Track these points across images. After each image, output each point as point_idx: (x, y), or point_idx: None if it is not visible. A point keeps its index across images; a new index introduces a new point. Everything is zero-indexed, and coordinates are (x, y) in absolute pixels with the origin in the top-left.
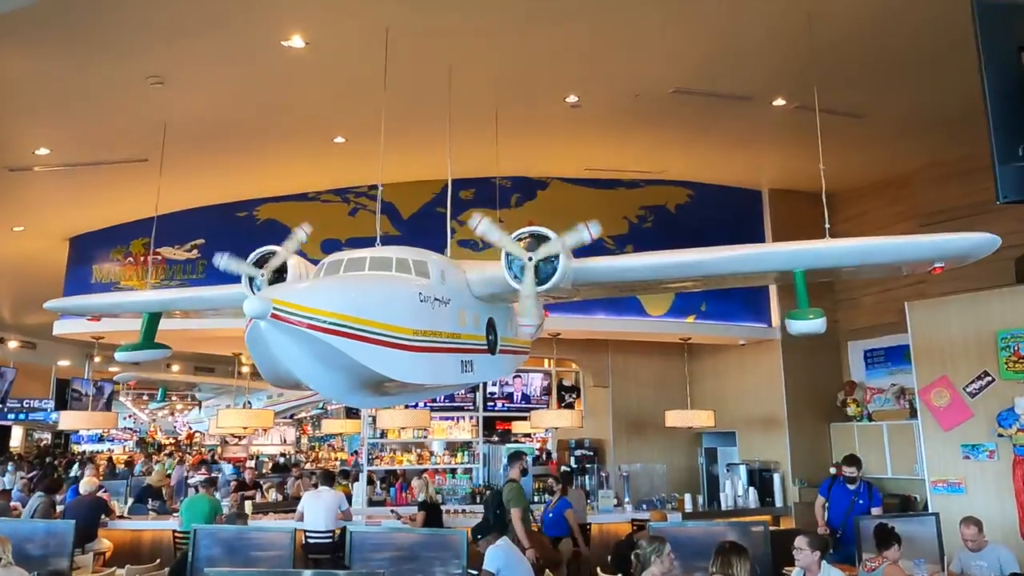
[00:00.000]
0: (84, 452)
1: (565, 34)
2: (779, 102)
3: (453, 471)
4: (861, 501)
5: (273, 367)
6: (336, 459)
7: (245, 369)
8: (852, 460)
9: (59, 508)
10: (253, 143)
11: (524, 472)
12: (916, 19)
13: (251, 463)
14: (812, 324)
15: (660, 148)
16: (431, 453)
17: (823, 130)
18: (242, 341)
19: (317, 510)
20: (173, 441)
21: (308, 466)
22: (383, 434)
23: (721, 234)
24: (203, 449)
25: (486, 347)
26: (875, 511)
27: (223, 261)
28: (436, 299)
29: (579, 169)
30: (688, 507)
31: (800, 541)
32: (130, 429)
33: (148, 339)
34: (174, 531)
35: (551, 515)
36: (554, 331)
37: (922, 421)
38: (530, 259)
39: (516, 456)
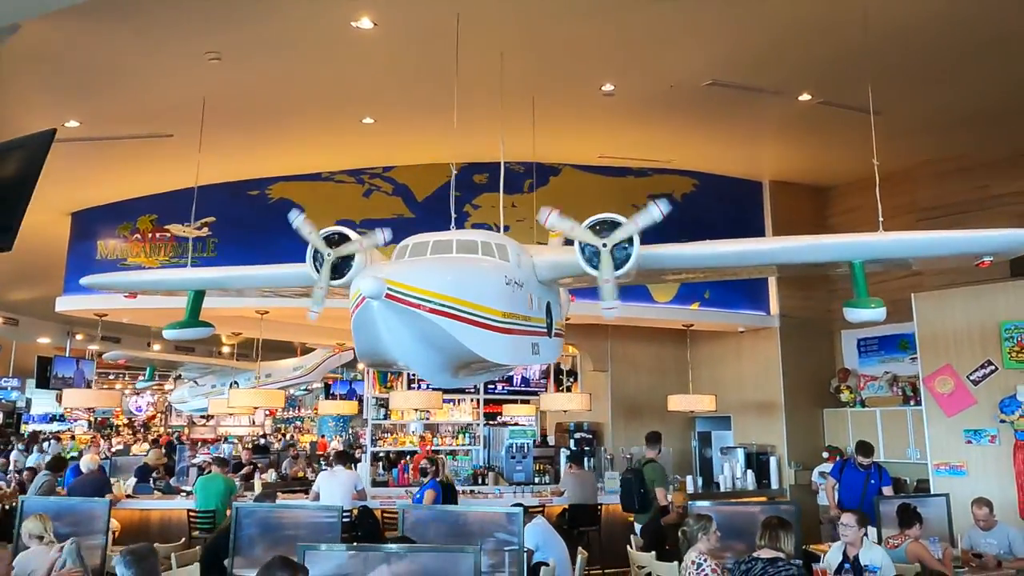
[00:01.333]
0: (43, 432)
1: (611, 23)
2: (804, 97)
3: (454, 453)
4: (873, 482)
5: (375, 346)
6: (308, 442)
7: (226, 349)
8: (866, 448)
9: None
10: (281, 121)
11: (659, 452)
12: (944, 22)
13: (243, 445)
14: (874, 313)
15: (673, 138)
16: (433, 434)
17: (829, 124)
18: (224, 321)
19: (333, 489)
20: (126, 423)
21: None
22: (387, 415)
23: (724, 224)
24: (168, 431)
25: (546, 330)
26: (886, 490)
27: (297, 219)
28: (516, 282)
29: (592, 156)
30: (690, 489)
31: (848, 518)
32: (90, 408)
33: (194, 317)
34: (189, 511)
35: None
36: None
37: (926, 407)
38: (604, 245)
39: (655, 437)
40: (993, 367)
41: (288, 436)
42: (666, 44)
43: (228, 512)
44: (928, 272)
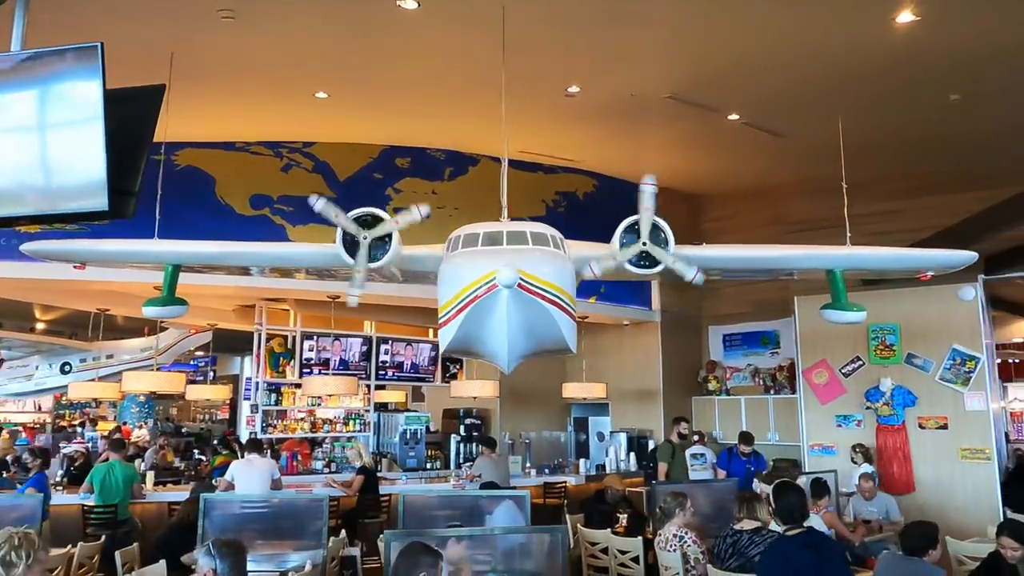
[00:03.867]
0: None
1: (584, 31)
2: (733, 116)
3: (350, 438)
4: (752, 468)
5: (481, 333)
6: (106, 430)
7: (40, 325)
8: (747, 438)
9: None
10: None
11: (682, 436)
12: (841, 74)
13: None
14: (856, 315)
15: (589, 140)
16: (324, 422)
17: (734, 140)
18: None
19: (251, 479)
20: None
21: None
22: (278, 401)
23: (616, 223)
24: None
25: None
26: (762, 474)
27: (318, 203)
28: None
29: (512, 151)
30: (583, 470)
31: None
32: None
33: (172, 293)
34: (83, 506)
35: None
36: None
37: (804, 396)
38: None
39: (676, 420)
40: (861, 362)
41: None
42: (636, 56)
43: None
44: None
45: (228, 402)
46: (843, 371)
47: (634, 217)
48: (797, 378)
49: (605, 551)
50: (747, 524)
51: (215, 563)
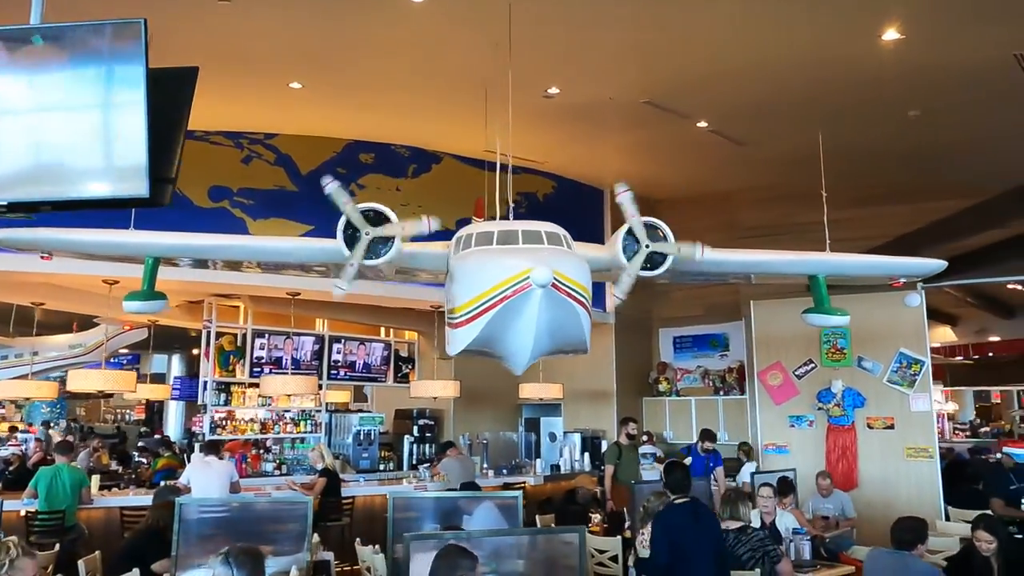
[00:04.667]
0: None
1: (566, 32)
2: (702, 124)
3: (301, 439)
4: (712, 464)
5: (506, 332)
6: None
7: None
8: (710, 435)
9: None
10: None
11: (631, 436)
12: (819, 78)
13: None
14: (839, 319)
15: (556, 143)
16: (275, 422)
17: (696, 146)
18: None
19: (209, 482)
20: None
21: None
22: (227, 401)
23: (572, 226)
24: None
25: None
26: (718, 471)
27: (331, 186)
28: None
29: (476, 149)
30: (539, 471)
31: (766, 491)
32: None
33: (152, 287)
34: (28, 512)
35: None
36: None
37: (759, 397)
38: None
39: (624, 420)
40: (813, 365)
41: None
42: (619, 60)
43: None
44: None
45: (144, 402)
46: (796, 373)
47: (625, 226)
48: (749, 380)
49: None
50: (731, 524)
51: (232, 572)
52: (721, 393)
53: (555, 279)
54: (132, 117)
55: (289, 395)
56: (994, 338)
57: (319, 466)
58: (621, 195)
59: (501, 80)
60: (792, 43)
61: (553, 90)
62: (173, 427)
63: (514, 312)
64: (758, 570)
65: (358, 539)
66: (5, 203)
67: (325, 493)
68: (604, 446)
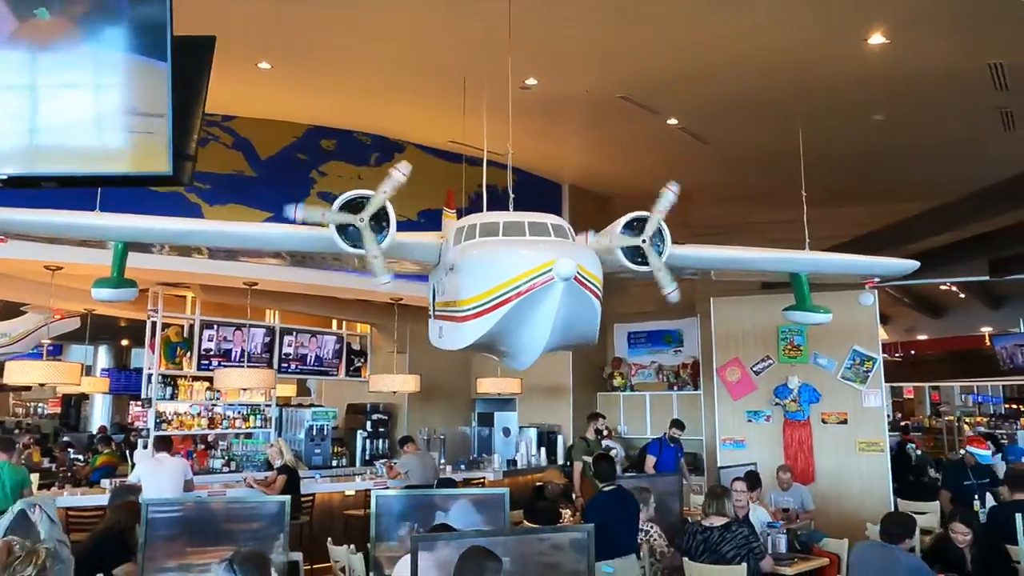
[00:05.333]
0: None
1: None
2: (672, 121)
3: (249, 435)
4: (680, 454)
5: (520, 326)
6: None
7: None
8: (680, 424)
9: None
10: None
11: (599, 432)
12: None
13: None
14: (822, 317)
15: (522, 136)
16: (223, 417)
17: (659, 143)
18: None
19: (161, 481)
20: None
21: None
22: (173, 395)
23: None
24: None
25: None
26: (682, 460)
27: (300, 213)
28: None
29: (441, 139)
30: (496, 465)
31: (739, 485)
32: None
33: (121, 274)
34: None
35: None
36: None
37: (717, 392)
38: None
39: (592, 416)
40: (771, 361)
41: None
42: (596, 53)
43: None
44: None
45: (60, 396)
46: (754, 369)
47: (642, 213)
48: (711, 376)
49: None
50: (716, 520)
51: None
52: (675, 388)
53: (577, 272)
54: (155, 89)
55: (244, 389)
56: (921, 336)
57: (278, 462)
58: (668, 191)
59: (481, 69)
60: (770, 44)
61: (531, 81)
62: (97, 422)
63: (532, 305)
64: (745, 564)
65: (329, 539)
66: (5, 176)
67: (285, 491)
68: (560, 441)
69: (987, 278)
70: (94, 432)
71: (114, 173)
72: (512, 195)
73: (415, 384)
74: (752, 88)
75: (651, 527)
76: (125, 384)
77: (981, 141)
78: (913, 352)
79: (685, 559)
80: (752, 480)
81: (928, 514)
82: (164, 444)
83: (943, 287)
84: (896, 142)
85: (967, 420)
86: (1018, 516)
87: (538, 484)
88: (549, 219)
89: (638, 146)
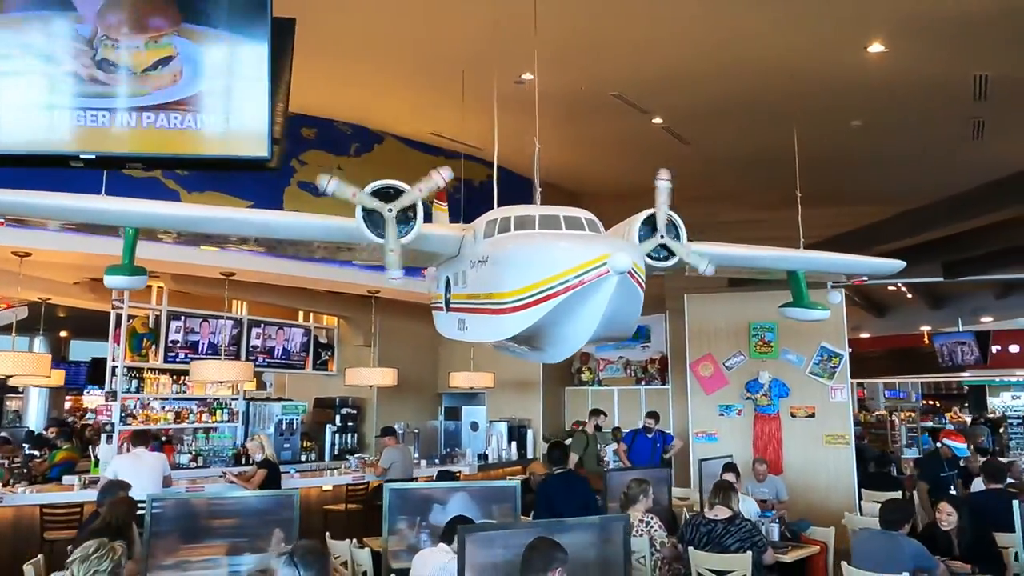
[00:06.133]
0: None
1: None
2: (657, 120)
3: (212, 430)
4: (659, 445)
5: (565, 320)
6: None
7: None
8: (655, 415)
9: None
10: None
11: (598, 428)
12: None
13: None
14: (820, 314)
15: (503, 131)
16: (190, 411)
17: (621, 139)
18: None
19: (140, 477)
20: None
21: None
22: (139, 388)
23: None
24: None
25: None
26: (670, 447)
27: (330, 183)
28: None
29: (422, 132)
30: (469, 459)
31: (731, 475)
32: None
33: (132, 261)
34: None
35: None
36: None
37: (690, 387)
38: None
39: (594, 412)
40: (742, 356)
41: None
42: (594, 50)
43: None
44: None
45: None
46: (726, 364)
47: (650, 211)
48: (680, 371)
49: None
50: (720, 512)
51: (298, 573)
52: (643, 383)
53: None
54: (256, 70)
55: (221, 382)
56: (864, 335)
57: (258, 456)
58: (661, 182)
59: (479, 61)
60: (767, 50)
61: (527, 76)
62: (33, 418)
63: (583, 298)
64: (749, 553)
65: (328, 533)
66: (92, 156)
67: (266, 485)
68: (530, 435)
69: (941, 279)
70: (30, 428)
71: (214, 156)
72: (538, 190)
73: (393, 378)
74: (740, 91)
75: (651, 518)
76: (76, 377)
77: (950, 149)
78: (855, 350)
79: (691, 548)
80: (735, 472)
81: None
82: (141, 439)
83: (891, 288)
84: (871, 148)
85: (899, 415)
86: (1015, 505)
87: (523, 478)
88: (583, 213)
89: (614, 144)
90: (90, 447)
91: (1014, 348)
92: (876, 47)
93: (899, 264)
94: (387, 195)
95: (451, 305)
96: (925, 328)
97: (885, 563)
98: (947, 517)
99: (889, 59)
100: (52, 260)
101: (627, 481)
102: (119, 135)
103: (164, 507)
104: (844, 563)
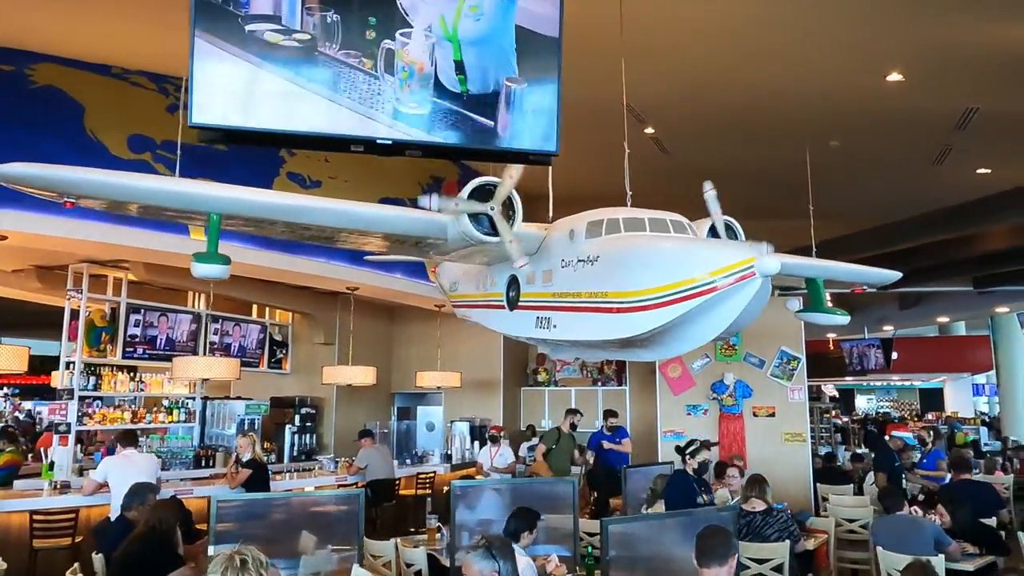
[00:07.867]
0: None
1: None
2: (649, 130)
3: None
4: (619, 438)
5: (694, 320)
6: None
7: None
8: (613, 413)
9: None
10: None
11: (573, 426)
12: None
13: None
14: (840, 319)
15: None
16: (148, 411)
17: (602, 146)
18: None
19: (130, 478)
20: None
21: None
22: (96, 386)
23: None
24: None
25: None
26: (625, 443)
27: (435, 202)
28: None
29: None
30: (436, 460)
31: (733, 470)
32: None
33: (216, 247)
34: None
35: None
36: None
37: (659, 388)
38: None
39: (570, 411)
40: (709, 359)
41: None
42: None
43: None
44: None
45: None
46: (693, 367)
47: (709, 222)
48: (636, 372)
49: None
50: (757, 504)
51: (496, 564)
52: (600, 384)
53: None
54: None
55: (205, 380)
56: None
57: (247, 456)
58: (708, 193)
59: None
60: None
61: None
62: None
63: (726, 299)
64: (788, 542)
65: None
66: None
67: (252, 486)
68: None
69: (875, 290)
70: None
71: (509, 148)
72: (629, 192)
73: (372, 376)
74: (736, 109)
75: None
76: None
77: (913, 172)
78: None
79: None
80: (720, 469)
81: (842, 496)
82: (130, 439)
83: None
84: (846, 167)
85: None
86: (1010, 480)
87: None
88: (668, 216)
89: (588, 149)
90: (43, 451)
91: (910, 354)
92: (894, 76)
93: (894, 274)
94: (481, 195)
95: (521, 303)
96: (831, 335)
97: (911, 543)
98: (941, 519)
99: (903, 87)
100: (30, 245)
101: (652, 477)
102: None
103: (228, 508)
104: (879, 547)
